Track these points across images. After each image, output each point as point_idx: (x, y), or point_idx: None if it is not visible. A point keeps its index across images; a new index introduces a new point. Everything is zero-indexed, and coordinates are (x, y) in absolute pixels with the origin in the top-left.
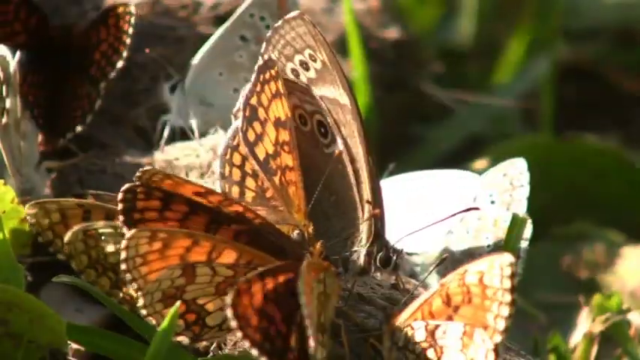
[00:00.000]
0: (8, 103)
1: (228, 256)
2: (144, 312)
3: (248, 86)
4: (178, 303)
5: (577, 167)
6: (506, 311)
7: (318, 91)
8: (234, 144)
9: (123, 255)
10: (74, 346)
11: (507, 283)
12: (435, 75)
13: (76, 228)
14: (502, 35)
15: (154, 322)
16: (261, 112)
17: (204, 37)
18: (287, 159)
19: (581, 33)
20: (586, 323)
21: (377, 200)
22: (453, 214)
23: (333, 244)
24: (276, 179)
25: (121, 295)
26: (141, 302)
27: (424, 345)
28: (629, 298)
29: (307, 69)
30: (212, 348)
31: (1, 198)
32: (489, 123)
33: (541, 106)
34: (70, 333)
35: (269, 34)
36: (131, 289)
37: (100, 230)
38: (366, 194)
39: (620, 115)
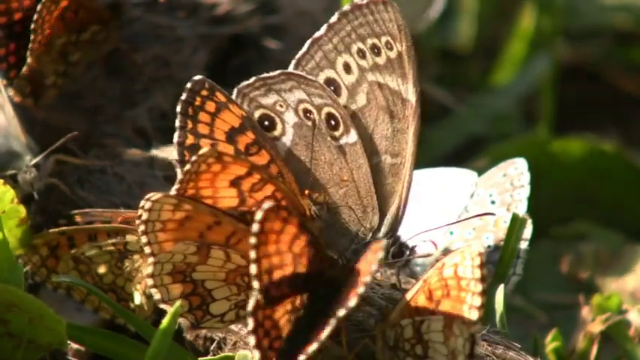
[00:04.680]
0: None
1: (247, 245)
2: (150, 282)
3: (176, 133)
4: (179, 302)
5: (577, 167)
6: (478, 301)
7: (381, 78)
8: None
9: (144, 216)
10: (74, 346)
11: (478, 273)
12: (435, 75)
13: (64, 257)
14: (502, 35)
15: (158, 295)
16: (204, 144)
17: (204, 37)
18: (258, 160)
19: (581, 33)
20: (586, 323)
21: (407, 198)
22: (467, 218)
23: (341, 237)
24: None
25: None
26: (150, 270)
27: (412, 341)
28: (629, 298)
29: (378, 54)
30: (212, 348)
31: (0, 198)
32: (489, 123)
33: (541, 106)
34: (70, 333)
35: (345, 8)
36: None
37: (87, 253)
38: (403, 190)
39: (620, 115)
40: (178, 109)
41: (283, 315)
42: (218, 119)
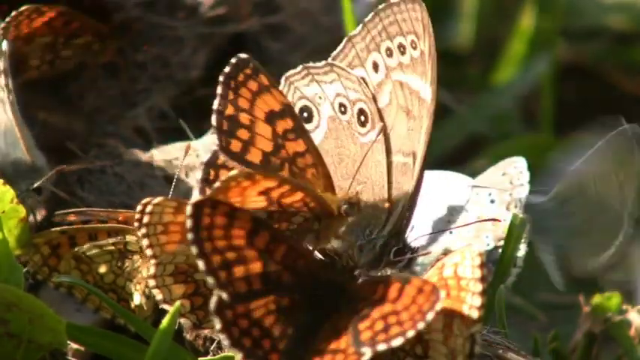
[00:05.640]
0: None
1: None
2: (152, 282)
3: (216, 101)
4: (179, 302)
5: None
6: (478, 301)
7: (403, 77)
8: (218, 163)
9: (146, 219)
10: (74, 346)
11: (478, 273)
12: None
13: (66, 256)
14: (502, 35)
15: (160, 295)
16: (243, 117)
17: (204, 37)
18: (294, 146)
19: (581, 33)
20: (586, 323)
21: (416, 198)
22: (470, 223)
23: (349, 234)
24: (285, 171)
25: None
26: (152, 271)
27: (412, 341)
28: (629, 298)
29: (403, 53)
30: (212, 348)
31: (0, 198)
32: (489, 123)
33: (541, 106)
34: (70, 333)
35: (380, 7)
36: (144, 275)
37: (88, 253)
38: (410, 188)
39: (620, 115)
40: (221, 78)
41: (266, 314)
42: (259, 99)
